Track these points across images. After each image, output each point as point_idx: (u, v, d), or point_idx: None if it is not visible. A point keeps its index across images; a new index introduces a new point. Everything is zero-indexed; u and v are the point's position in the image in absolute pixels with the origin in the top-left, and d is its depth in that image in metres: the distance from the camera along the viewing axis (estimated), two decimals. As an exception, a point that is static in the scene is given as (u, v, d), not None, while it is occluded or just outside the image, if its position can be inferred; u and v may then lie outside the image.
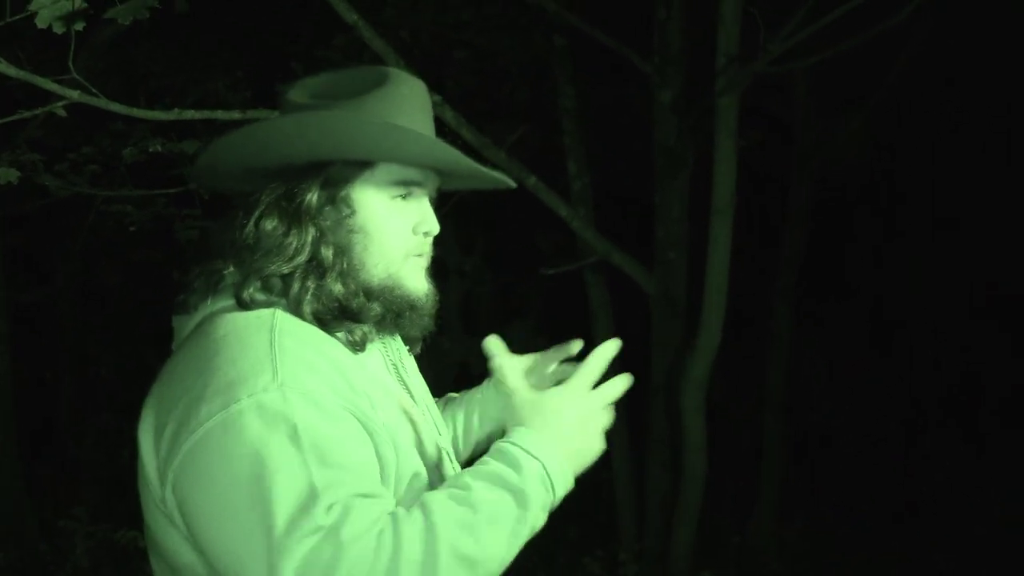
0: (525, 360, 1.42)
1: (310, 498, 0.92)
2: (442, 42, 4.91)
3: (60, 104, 1.99)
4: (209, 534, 0.96)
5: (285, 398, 0.97)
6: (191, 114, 2.27)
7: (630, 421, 4.90)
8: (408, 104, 1.15)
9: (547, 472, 1.03)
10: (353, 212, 1.13)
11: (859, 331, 7.37)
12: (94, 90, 1.98)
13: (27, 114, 2.04)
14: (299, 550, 0.90)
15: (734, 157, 3.59)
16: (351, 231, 1.13)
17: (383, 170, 1.14)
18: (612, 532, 4.84)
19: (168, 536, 1.04)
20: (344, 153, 1.11)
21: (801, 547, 5.34)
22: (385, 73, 1.18)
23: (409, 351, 1.31)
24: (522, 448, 1.04)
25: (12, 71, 1.86)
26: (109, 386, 6.67)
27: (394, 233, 1.15)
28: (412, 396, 1.24)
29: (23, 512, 4.86)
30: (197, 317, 1.12)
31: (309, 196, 1.11)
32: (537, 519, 1.02)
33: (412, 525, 0.95)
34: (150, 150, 2.83)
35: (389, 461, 1.05)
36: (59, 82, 1.94)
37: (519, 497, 1.00)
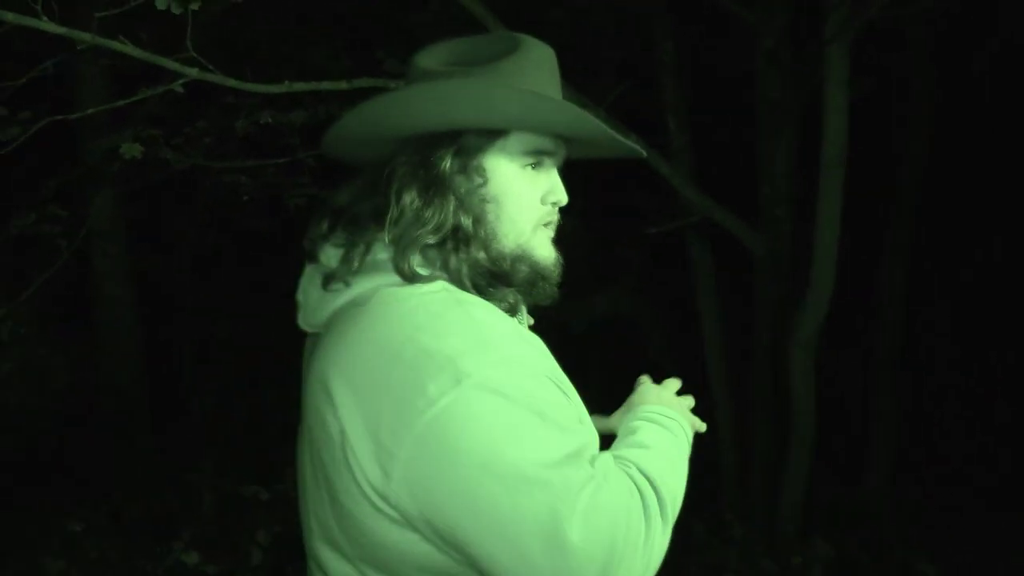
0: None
1: (574, 454, 0.96)
2: (538, 1, 4.86)
3: (180, 82, 2.08)
4: (466, 512, 0.93)
5: (511, 372, 0.97)
6: (300, 86, 2.33)
7: (733, 382, 4.83)
8: (541, 70, 1.14)
9: (684, 430, 1.23)
10: (486, 181, 1.12)
11: (979, 288, 7.00)
12: (210, 67, 2.06)
13: (148, 93, 2.14)
14: (581, 499, 0.93)
15: (845, 108, 3.44)
16: (484, 200, 1.12)
17: (516, 139, 1.12)
18: (716, 493, 4.80)
19: (373, 521, 1.00)
20: (483, 122, 1.10)
21: (915, 510, 5.18)
22: (517, 39, 1.15)
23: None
24: (664, 415, 1.22)
25: (136, 52, 1.95)
26: (226, 347, 7.00)
27: (525, 203, 1.14)
28: None
29: (153, 465, 5.20)
30: (352, 292, 1.09)
31: (444, 164, 1.09)
32: (687, 468, 1.18)
33: (639, 477, 1.04)
34: (261, 122, 2.92)
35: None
36: (177, 60, 2.03)
37: (681, 451, 1.18)
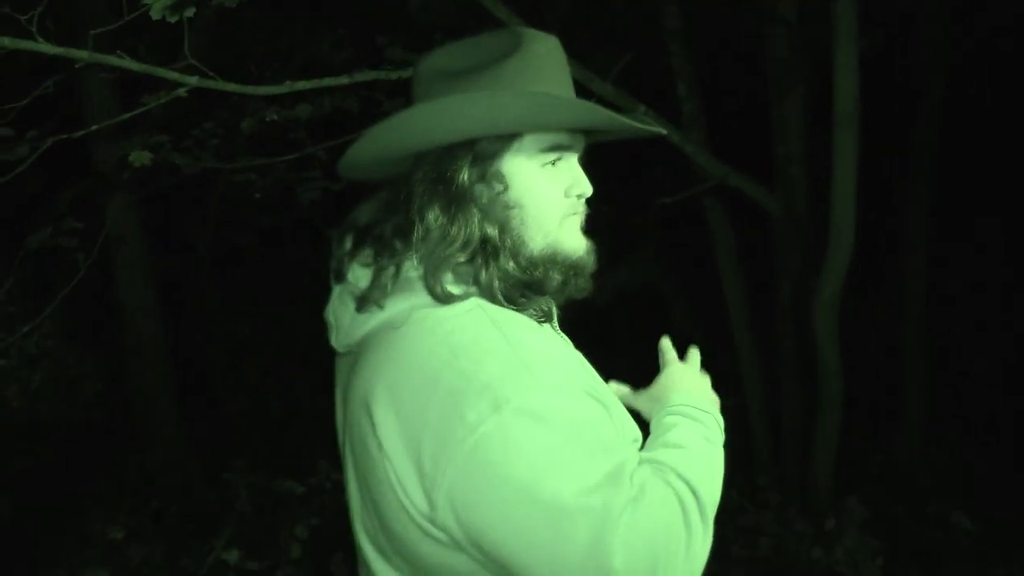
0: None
1: (613, 476, 0.96)
2: (538, -24, 4.79)
3: (182, 90, 2.07)
4: (509, 538, 0.95)
5: (549, 394, 0.97)
6: (302, 85, 2.31)
7: (759, 345, 4.80)
8: (547, 65, 1.12)
9: (717, 422, 1.22)
10: (507, 187, 1.10)
11: (1000, 240, 6.89)
12: (211, 73, 2.05)
13: (152, 104, 2.14)
14: (621, 522, 0.93)
15: (855, 63, 3.37)
16: (507, 206, 1.10)
17: (531, 139, 1.11)
18: (748, 459, 4.80)
19: (422, 544, 1.02)
20: (494, 129, 1.08)
21: (949, 467, 5.14)
22: (518, 36, 1.13)
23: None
24: (696, 407, 1.22)
25: (135, 66, 1.94)
26: (251, 343, 7.06)
27: (549, 202, 1.12)
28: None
29: (189, 466, 5.27)
30: (385, 314, 1.08)
31: (462, 176, 1.08)
32: (723, 459, 1.18)
33: (678, 482, 1.04)
34: (267, 120, 2.92)
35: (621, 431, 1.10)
36: (177, 69, 2.02)
37: (716, 447, 1.17)
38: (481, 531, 0.96)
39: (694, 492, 1.04)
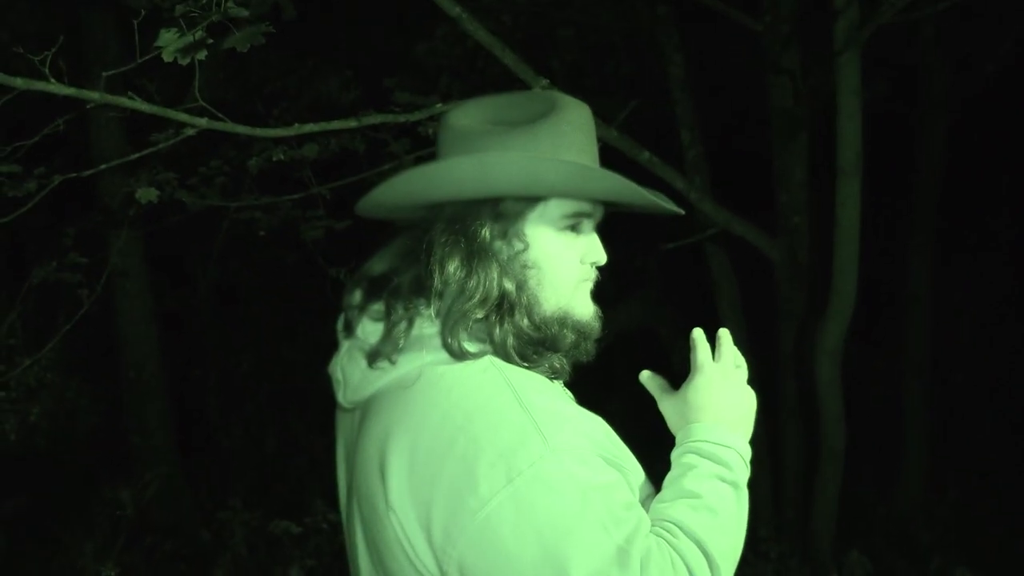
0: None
1: (620, 554, 0.94)
2: (544, 22, 4.87)
3: (190, 130, 2.09)
4: None
5: (561, 462, 0.96)
6: (310, 127, 2.33)
7: (760, 393, 4.77)
8: (578, 132, 1.12)
9: (741, 456, 1.15)
10: (527, 247, 1.10)
11: (1004, 286, 6.89)
12: (220, 115, 2.07)
13: (161, 144, 2.16)
14: None
15: (858, 115, 3.40)
16: (525, 266, 1.11)
17: (556, 204, 1.11)
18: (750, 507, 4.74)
19: None
20: (524, 191, 1.08)
21: (951, 518, 5.08)
22: (553, 100, 1.14)
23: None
24: (719, 443, 1.14)
25: (145, 107, 1.96)
26: (250, 379, 7.03)
27: (565, 266, 1.13)
28: None
29: (184, 503, 5.21)
30: (397, 372, 1.07)
31: (484, 232, 1.08)
32: (747, 497, 1.13)
33: (687, 544, 1.02)
34: (273, 159, 2.94)
35: (634, 490, 1.07)
36: (186, 110, 2.04)
37: (738, 488, 1.11)
38: None
39: (705, 552, 1.02)
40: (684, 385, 1.22)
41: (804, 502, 4.19)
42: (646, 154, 3.55)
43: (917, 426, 5.57)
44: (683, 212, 1.22)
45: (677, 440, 1.18)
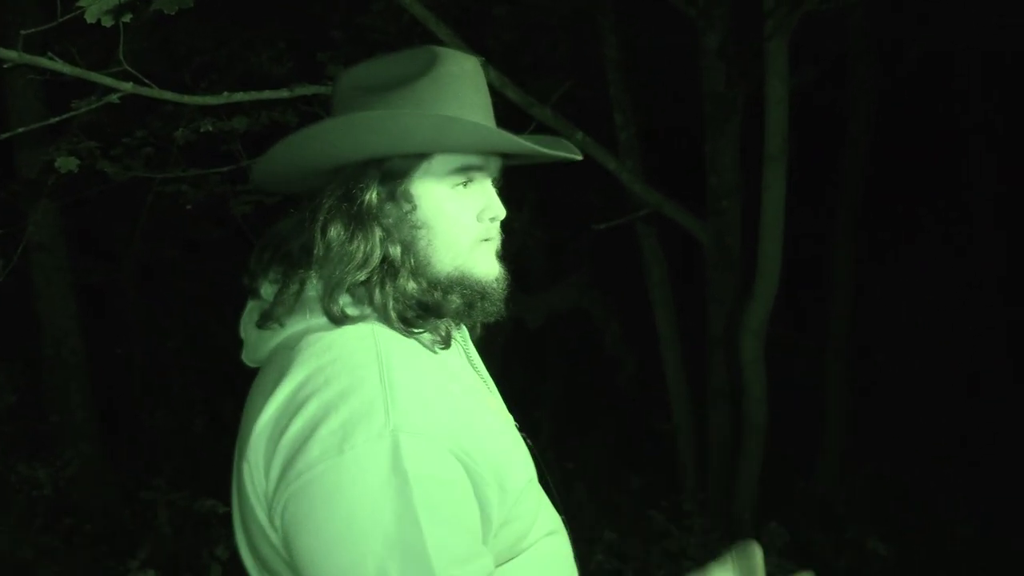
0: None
1: (420, 557, 0.91)
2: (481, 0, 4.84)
3: (114, 96, 2.02)
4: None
5: (396, 445, 0.94)
6: (240, 96, 2.28)
7: (690, 372, 4.88)
8: (460, 85, 1.11)
9: None
10: (415, 207, 1.09)
11: (924, 271, 7.18)
12: (146, 80, 2.01)
13: (82, 108, 2.08)
14: None
15: (785, 101, 3.49)
16: (414, 226, 1.09)
17: (441, 160, 1.09)
18: (675, 483, 4.86)
19: (272, 557, 1.03)
20: (399, 148, 1.07)
21: (867, 493, 5.29)
22: (434, 54, 1.12)
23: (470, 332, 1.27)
24: None
25: (67, 68, 1.89)
26: (177, 357, 6.87)
27: (458, 224, 1.11)
28: (487, 386, 1.23)
29: (106, 483, 5.08)
30: (285, 333, 1.09)
31: (369, 195, 1.07)
32: None
33: None
34: (201, 130, 2.86)
35: (492, 501, 1.02)
36: (110, 74, 1.97)
37: None
38: (296, 558, 0.96)
39: None
40: None
41: (729, 478, 4.31)
42: (579, 134, 3.58)
43: (837, 404, 5.78)
44: (579, 157, 1.21)
45: None
